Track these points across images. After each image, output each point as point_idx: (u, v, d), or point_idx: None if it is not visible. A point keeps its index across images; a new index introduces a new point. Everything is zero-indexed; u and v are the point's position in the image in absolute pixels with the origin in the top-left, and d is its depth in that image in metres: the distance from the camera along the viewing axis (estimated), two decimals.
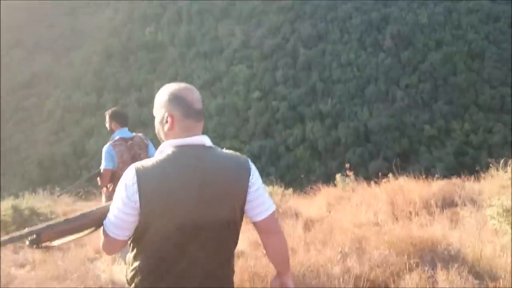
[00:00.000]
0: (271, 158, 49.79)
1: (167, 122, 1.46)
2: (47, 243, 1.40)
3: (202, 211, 1.40)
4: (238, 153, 1.54)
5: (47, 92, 60.88)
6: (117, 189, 1.41)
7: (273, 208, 1.53)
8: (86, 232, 1.46)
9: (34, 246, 1.38)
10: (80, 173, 41.12)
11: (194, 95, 1.48)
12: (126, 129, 3.77)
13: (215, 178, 1.41)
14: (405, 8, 58.98)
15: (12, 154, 52.86)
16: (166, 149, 1.44)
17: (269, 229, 1.55)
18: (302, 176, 33.64)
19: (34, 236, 1.36)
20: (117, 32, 66.68)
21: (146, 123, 42.61)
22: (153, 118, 1.54)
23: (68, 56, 65.36)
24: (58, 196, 3.70)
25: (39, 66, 64.73)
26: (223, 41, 64.26)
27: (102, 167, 3.62)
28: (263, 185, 1.56)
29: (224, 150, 1.53)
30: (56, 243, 1.44)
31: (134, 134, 3.80)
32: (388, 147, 45.70)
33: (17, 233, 1.36)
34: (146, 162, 1.42)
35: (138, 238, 1.42)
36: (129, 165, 3.69)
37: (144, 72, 60.54)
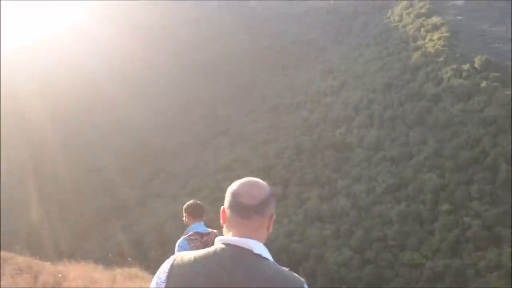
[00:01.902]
0: (457, 280, 44.06)
1: (221, 215, 1.36)
2: None
3: None
4: (295, 275, 1.26)
5: (240, 177, 66.59)
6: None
7: None
8: None
9: None
10: None
11: (249, 189, 1.32)
12: (201, 223, 3.57)
13: None
14: None
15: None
16: (215, 243, 1.33)
17: None
18: None
19: None
20: (309, 131, 70.87)
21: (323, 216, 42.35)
22: None
23: (263, 148, 71.59)
24: None
25: (238, 153, 72.10)
26: (413, 148, 62.25)
27: None
28: None
29: (281, 268, 1.28)
30: None
31: (210, 230, 3.57)
32: None
33: None
34: (188, 253, 1.32)
35: None
36: None
37: (329, 170, 61.93)
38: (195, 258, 1.26)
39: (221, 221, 1.36)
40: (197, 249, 3.39)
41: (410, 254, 45.46)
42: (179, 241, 3.46)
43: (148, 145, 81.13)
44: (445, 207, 51.46)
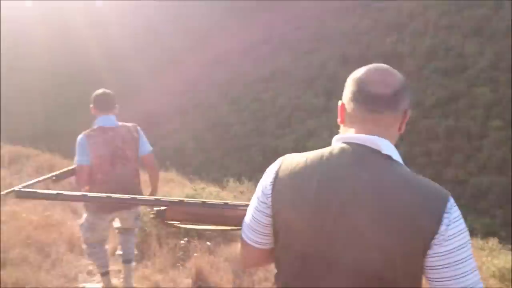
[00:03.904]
0: (501, 199, 43.09)
1: (338, 113, 1.12)
2: (173, 222, 1.20)
3: (335, 245, 0.95)
4: (435, 184, 0.98)
5: (281, 89, 65.59)
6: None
7: None
8: (225, 227, 1.20)
9: (158, 220, 1.18)
10: None
11: (380, 75, 1.04)
12: (110, 116, 2.94)
13: (372, 201, 0.93)
14: None
15: (241, 139, 58.67)
16: (333, 143, 1.06)
17: None
18: None
19: (161, 208, 1.18)
20: (357, 39, 67.44)
21: None
22: None
23: (306, 58, 69.11)
24: (3, 194, 2.75)
25: (279, 63, 70.16)
26: (467, 59, 58.49)
27: (75, 162, 2.85)
28: (469, 249, 0.94)
29: (417, 175, 0.99)
30: (182, 225, 1.24)
31: (120, 123, 2.98)
32: None
33: (144, 197, 1.22)
34: (298, 154, 1.07)
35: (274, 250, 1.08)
36: (108, 163, 2.74)
37: None
38: (306, 159, 1.03)
39: (339, 119, 1.11)
40: (97, 147, 2.81)
41: (455, 170, 44.73)
42: (79, 137, 2.88)
43: (187, 53, 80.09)
44: (496, 123, 49.40)
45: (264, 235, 1.06)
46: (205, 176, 9.93)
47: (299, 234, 0.97)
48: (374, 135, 0.98)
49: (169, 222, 1.18)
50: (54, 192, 1.26)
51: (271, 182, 1.03)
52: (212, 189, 5.96)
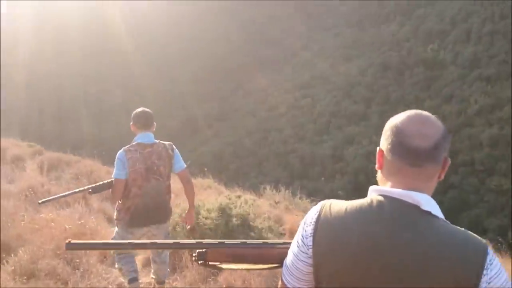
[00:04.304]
0: None
1: (377, 158, 1.11)
2: (215, 263, 1.19)
3: None
4: (475, 237, 0.96)
5: (320, 95, 65.51)
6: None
7: None
8: (264, 266, 1.19)
9: (200, 262, 1.18)
10: (335, 176, 42.89)
11: (420, 127, 1.00)
12: (148, 133, 3.17)
13: (413, 262, 0.91)
14: None
15: (279, 146, 58.94)
16: (369, 193, 1.05)
17: None
18: None
19: (203, 250, 1.18)
20: (398, 46, 66.58)
21: None
22: None
23: (345, 65, 68.80)
24: (39, 203, 3.15)
25: (318, 70, 70.21)
26: None
27: (112, 176, 3.06)
28: None
29: (457, 228, 0.97)
30: (225, 266, 1.22)
31: (157, 141, 3.18)
32: None
33: (186, 241, 1.22)
34: (338, 203, 1.05)
35: None
36: (143, 177, 2.82)
37: (417, 89, 58.68)
38: (346, 209, 1.01)
39: (377, 165, 1.10)
40: (135, 162, 2.97)
41: (498, 180, 43.27)
42: (119, 152, 3.08)
43: (229, 60, 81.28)
44: None
45: (305, 281, 1.06)
46: (242, 183, 9.97)
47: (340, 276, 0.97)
48: (413, 189, 0.98)
49: (210, 263, 1.19)
50: (101, 242, 1.41)
51: (311, 233, 1.03)
52: (248, 197, 5.83)
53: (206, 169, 9.59)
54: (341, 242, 0.96)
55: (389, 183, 1.02)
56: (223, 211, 4.39)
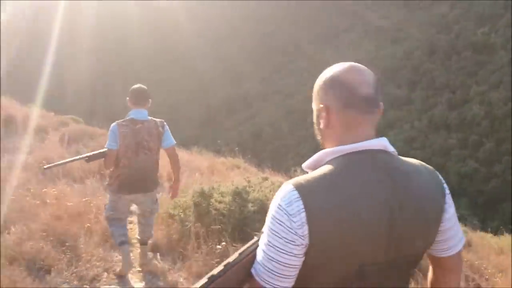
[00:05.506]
0: None
1: (322, 117, 1.03)
2: None
3: (392, 247, 0.95)
4: (423, 163, 1.05)
5: None
6: (268, 219, 0.96)
7: (464, 240, 1.09)
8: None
9: None
10: None
11: (362, 76, 1.01)
12: (142, 110, 3.27)
13: (409, 200, 0.95)
14: None
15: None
16: (329, 160, 0.99)
17: (454, 268, 1.12)
18: None
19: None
20: (447, 29, 64.18)
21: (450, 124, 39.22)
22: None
23: (391, 47, 67.10)
24: (44, 169, 3.35)
25: (363, 53, 68.85)
26: None
27: (105, 146, 3.23)
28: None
29: (413, 160, 1.04)
30: None
31: (150, 118, 3.29)
32: None
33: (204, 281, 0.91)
34: (307, 179, 0.95)
35: None
36: (133, 151, 3.06)
37: (464, 74, 56.60)
38: (324, 176, 0.95)
39: (323, 125, 1.03)
40: (125, 136, 3.16)
41: None
42: (112, 124, 3.24)
43: (270, 40, 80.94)
44: None
45: (289, 279, 0.96)
46: (277, 164, 9.70)
47: (358, 250, 0.93)
48: (373, 136, 1.00)
49: None
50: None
51: (305, 219, 0.92)
52: (276, 179, 5.44)
53: (236, 148, 9.25)
54: (348, 213, 0.91)
55: (348, 137, 0.99)
56: (239, 195, 3.95)
